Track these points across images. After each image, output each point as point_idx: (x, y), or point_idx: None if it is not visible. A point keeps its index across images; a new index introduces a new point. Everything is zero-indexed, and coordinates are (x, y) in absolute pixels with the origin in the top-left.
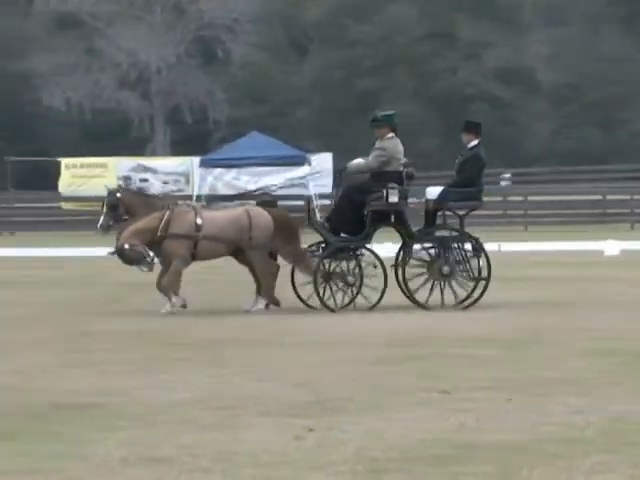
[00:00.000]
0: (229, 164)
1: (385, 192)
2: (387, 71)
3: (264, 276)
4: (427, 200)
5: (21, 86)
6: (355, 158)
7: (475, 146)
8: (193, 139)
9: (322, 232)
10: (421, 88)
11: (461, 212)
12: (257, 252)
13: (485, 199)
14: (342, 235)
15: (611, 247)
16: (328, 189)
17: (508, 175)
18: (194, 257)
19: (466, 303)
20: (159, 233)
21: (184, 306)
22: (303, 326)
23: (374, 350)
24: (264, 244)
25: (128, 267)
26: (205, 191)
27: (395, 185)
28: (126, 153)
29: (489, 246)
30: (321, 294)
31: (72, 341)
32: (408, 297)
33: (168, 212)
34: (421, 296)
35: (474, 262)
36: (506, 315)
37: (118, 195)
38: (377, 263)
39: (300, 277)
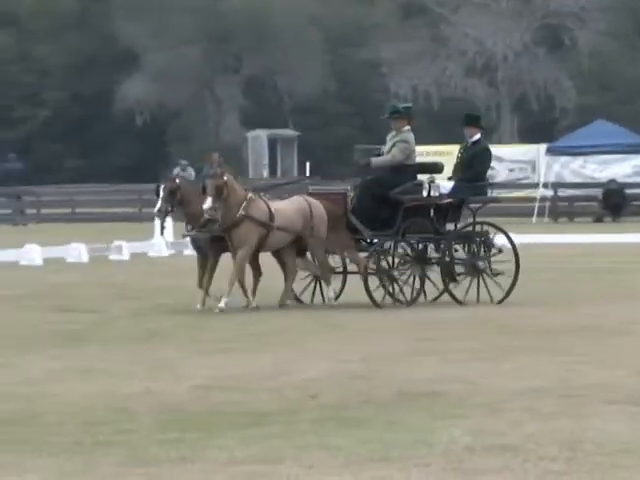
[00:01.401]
0: (575, 152)
1: (428, 186)
2: None
3: (325, 264)
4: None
5: (369, 74)
6: None
7: (479, 140)
8: (539, 127)
9: (360, 226)
10: None
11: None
12: (318, 242)
13: None
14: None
15: None
16: None
17: None
18: (260, 247)
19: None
20: (242, 212)
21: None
22: None
23: None
24: (324, 234)
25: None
26: (551, 179)
27: (434, 178)
28: None
29: None
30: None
31: (417, 329)
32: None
33: (250, 194)
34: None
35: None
36: None
37: (177, 181)
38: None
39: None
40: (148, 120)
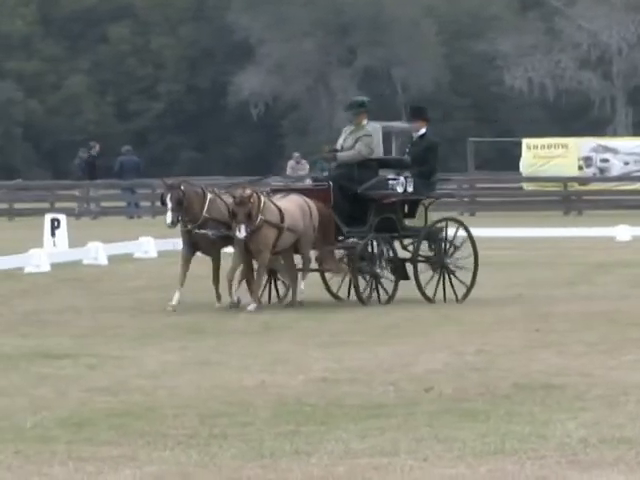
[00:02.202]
0: None
1: (404, 182)
2: None
3: (309, 264)
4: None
5: (485, 67)
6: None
7: (425, 133)
8: None
9: (339, 223)
10: None
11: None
12: (310, 240)
13: None
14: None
15: None
16: None
17: None
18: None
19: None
20: (261, 216)
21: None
22: None
23: None
24: (314, 232)
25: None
26: None
27: (409, 175)
28: (587, 134)
29: None
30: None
31: (535, 321)
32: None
33: (264, 198)
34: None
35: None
36: None
37: (182, 189)
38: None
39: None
40: (262, 113)
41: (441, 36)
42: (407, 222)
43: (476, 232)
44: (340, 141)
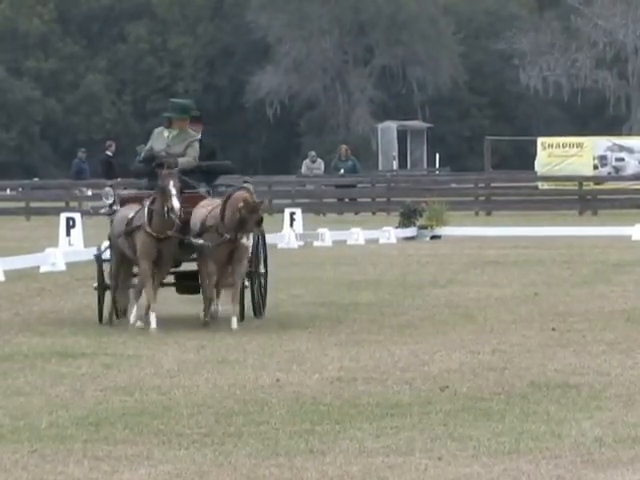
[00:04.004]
0: None
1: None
2: None
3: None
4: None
5: (502, 66)
6: None
7: (202, 138)
8: None
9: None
10: None
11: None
12: None
13: None
14: None
15: None
16: None
17: None
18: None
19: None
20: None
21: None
22: None
23: None
24: None
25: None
26: None
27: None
28: (602, 132)
29: None
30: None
31: (551, 321)
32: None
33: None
34: None
35: None
36: None
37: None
38: None
39: None
40: (278, 112)
41: (459, 35)
42: None
43: (492, 231)
44: (160, 145)
